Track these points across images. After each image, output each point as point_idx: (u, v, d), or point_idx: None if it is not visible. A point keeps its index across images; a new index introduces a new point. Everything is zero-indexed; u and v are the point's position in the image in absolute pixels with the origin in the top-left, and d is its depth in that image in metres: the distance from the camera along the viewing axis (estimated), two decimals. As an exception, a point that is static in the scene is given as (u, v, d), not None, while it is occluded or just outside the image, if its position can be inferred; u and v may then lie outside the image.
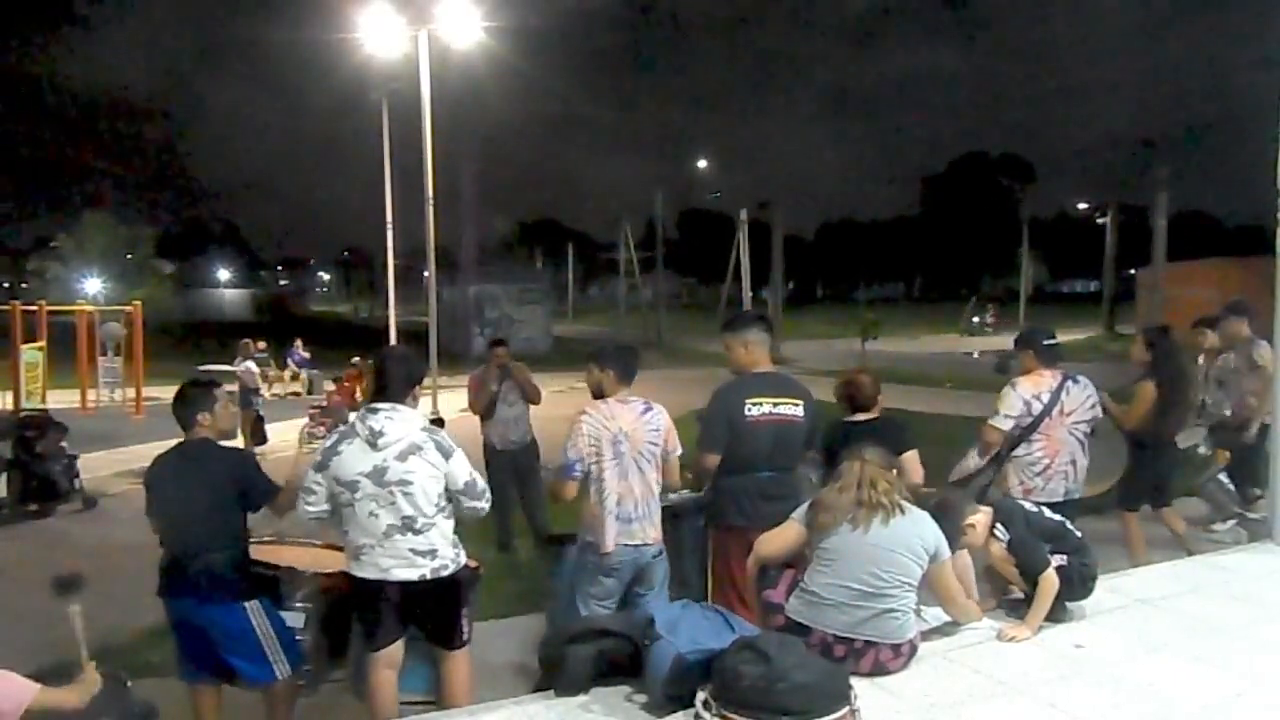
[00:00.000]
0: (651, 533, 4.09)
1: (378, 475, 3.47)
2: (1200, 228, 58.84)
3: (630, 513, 4.02)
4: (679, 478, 4.31)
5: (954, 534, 3.89)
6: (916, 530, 3.40)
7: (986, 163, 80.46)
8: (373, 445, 3.49)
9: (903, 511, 3.41)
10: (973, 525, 3.91)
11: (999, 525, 3.89)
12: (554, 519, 6.53)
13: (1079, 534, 3.98)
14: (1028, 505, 4.12)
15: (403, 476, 3.47)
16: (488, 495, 3.70)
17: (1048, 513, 4.07)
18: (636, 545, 4.04)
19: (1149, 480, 5.74)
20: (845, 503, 3.40)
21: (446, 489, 3.56)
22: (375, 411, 3.56)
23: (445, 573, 3.55)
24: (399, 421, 3.53)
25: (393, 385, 3.64)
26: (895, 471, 3.55)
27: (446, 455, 3.55)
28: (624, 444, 4.02)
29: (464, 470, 3.59)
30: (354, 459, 3.50)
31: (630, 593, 4.14)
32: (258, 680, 3.74)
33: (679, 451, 4.19)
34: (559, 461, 4.09)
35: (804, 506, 3.56)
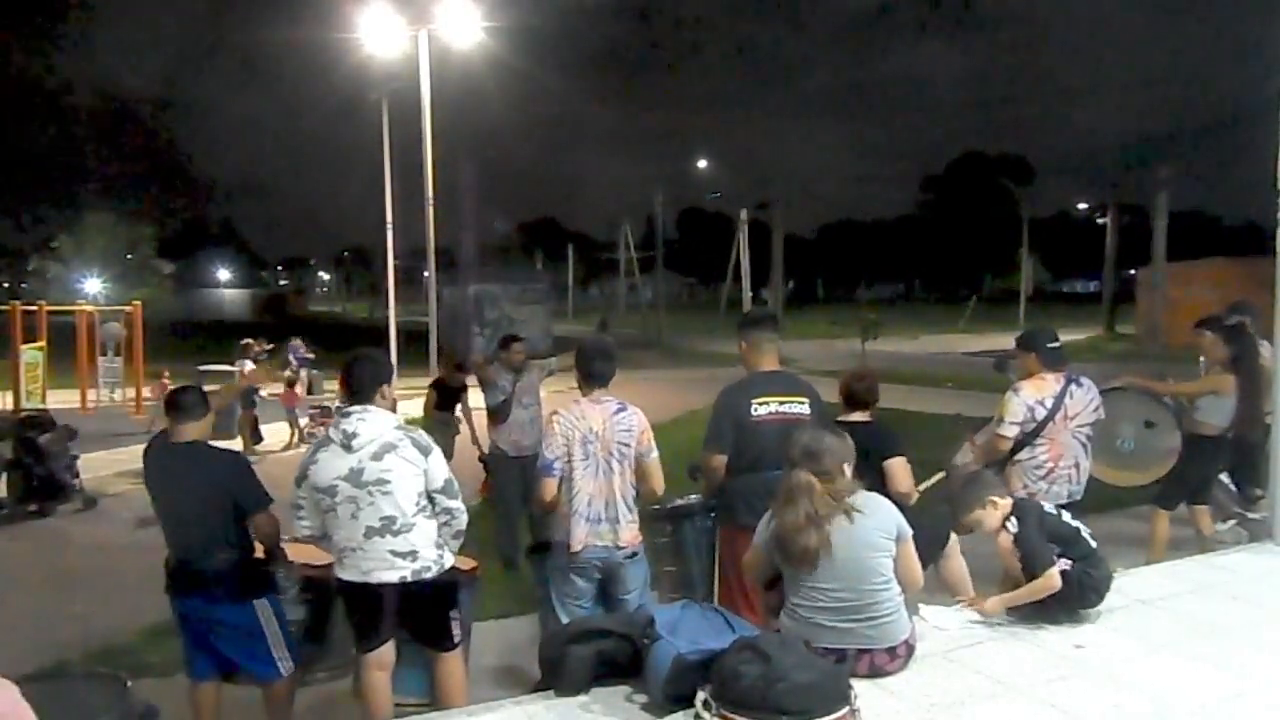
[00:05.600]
0: (625, 535, 4.06)
1: (354, 477, 3.48)
2: (1200, 228, 58.83)
3: (600, 513, 4.01)
4: (657, 483, 4.15)
5: (971, 503, 3.92)
6: (875, 523, 3.30)
7: (986, 163, 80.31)
8: (347, 448, 3.49)
9: (851, 515, 3.26)
10: (994, 504, 3.91)
11: (1013, 518, 3.89)
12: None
13: (1093, 544, 3.94)
14: (1048, 507, 4.07)
15: (380, 476, 3.47)
16: (461, 498, 3.71)
17: (1066, 517, 4.03)
18: (605, 546, 4.02)
19: (1196, 480, 5.71)
20: (800, 526, 3.24)
21: (426, 489, 3.56)
22: (347, 415, 3.57)
23: (428, 574, 3.55)
24: (371, 422, 3.53)
25: (361, 388, 3.64)
26: (844, 465, 3.37)
27: (425, 452, 3.55)
28: (594, 444, 4.01)
29: (443, 468, 3.61)
30: (330, 465, 3.51)
31: (608, 596, 4.14)
32: (262, 677, 3.76)
33: (655, 453, 4.14)
34: (540, 461, 4.11)
35: (762, 524, 3.47)
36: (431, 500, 3.58)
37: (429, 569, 3.55)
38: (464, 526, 3.69)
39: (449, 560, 3.65)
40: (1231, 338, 5.68)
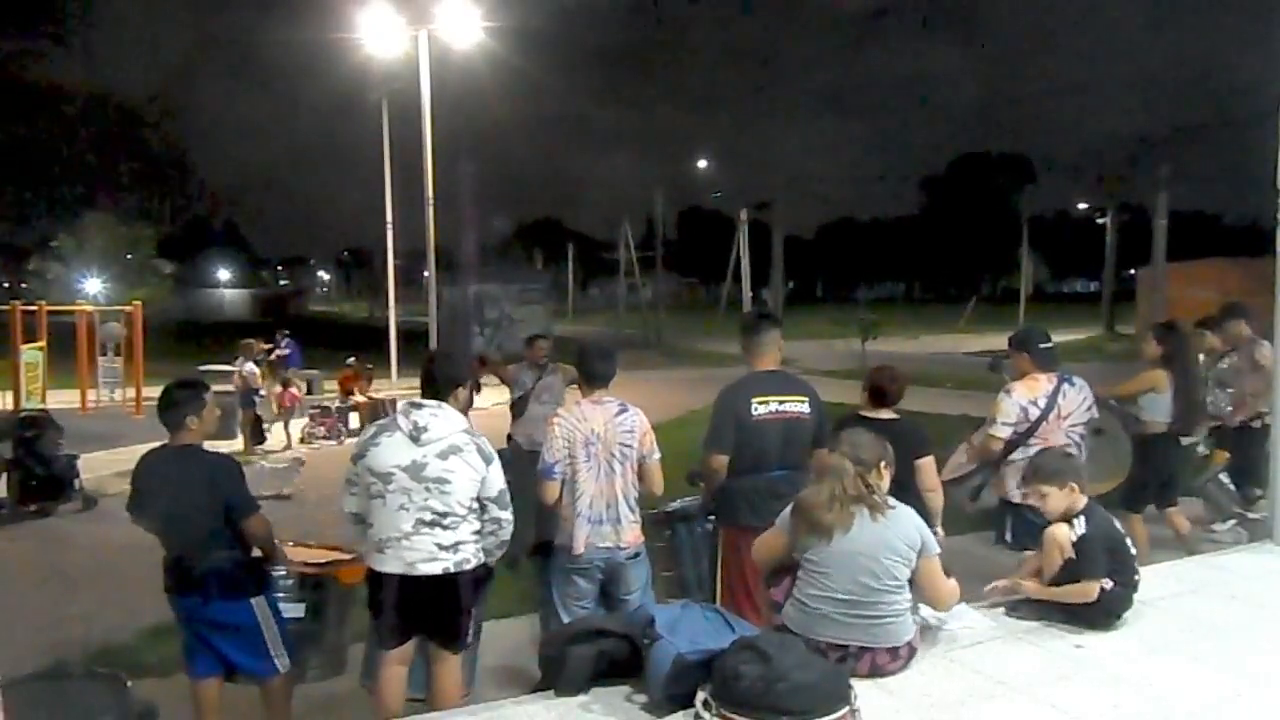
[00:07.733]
0: (627, 535, 4.07)
1: (415, 470, 3.50)
2: (1200, 228, 58.77)
3: (602, 514, 4.02)
4: (657, 485, 4.19)
5: (1052, 476, 3.85)
6: (899, 529, 3.32)
7: (986, 163, 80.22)
8: (415, 440, 3.52)
9: (882, 512, 3.30)
10: (1073, 490, 3.84)
11: (1083, 516, 3.82)
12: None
13: (1137, 570, 3.91)
14: (1117, 523, 4.01)
15: (441, 474, 3.50)
16: (511, 509, 3.72)
17: (1128, 540, 3.99)
18: (608, 547, 4.03)
19: (1155, 480, 5.74)
20: (822, 504, 3.29)
21: (480, 495, 3.59)
22: (420, 407, 3.61)
23: (467, 566, 3.57)
24: (443, 420, 3.58)
25: (439, 385, 3.70)
26: (883, 464, 3.42)
27: (487, 461, 3.60)
28: (595, 445, 4.02)
29: (500, 478, 3.64)
30: (392, 451, 3.53)
31: (610, 596, 4.14)
32: (259, 674, 3.77)
33: (657, 455, 4.15)
34: (540, 465, 4.11)
35: (787, 511, 3.48)
36: (483, 507, 3.61)
37: (468, 561, 3.57)
38: (508, 538, 3.72)
39: (483, 557, 3.67)
40: (1162, 336, 5.80)
